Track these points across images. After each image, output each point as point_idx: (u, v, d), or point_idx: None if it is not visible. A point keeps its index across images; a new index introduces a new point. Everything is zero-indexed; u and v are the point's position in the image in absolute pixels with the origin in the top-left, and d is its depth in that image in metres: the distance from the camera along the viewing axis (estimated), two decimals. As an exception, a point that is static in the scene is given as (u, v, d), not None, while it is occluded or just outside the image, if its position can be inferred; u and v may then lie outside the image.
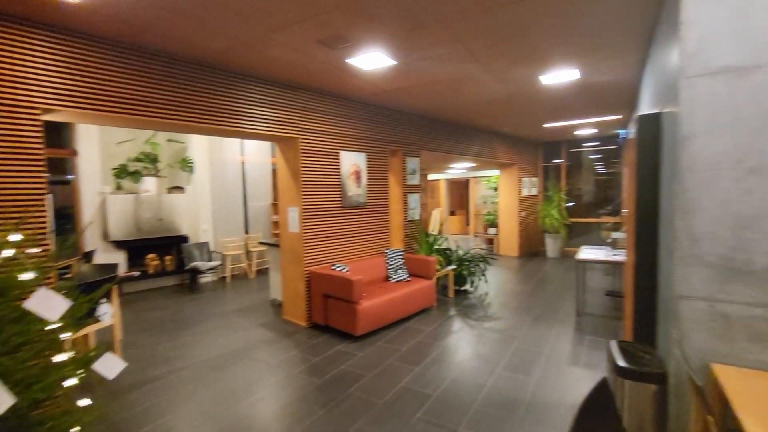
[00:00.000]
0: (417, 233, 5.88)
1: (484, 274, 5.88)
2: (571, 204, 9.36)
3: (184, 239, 6.72)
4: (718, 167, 1.67)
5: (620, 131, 7.62)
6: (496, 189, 10.48)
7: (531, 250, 9.60)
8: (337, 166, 4.69)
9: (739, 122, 1.62)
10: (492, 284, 6.33)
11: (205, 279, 6.89)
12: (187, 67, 3.34)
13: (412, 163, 5.86)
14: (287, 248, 4.60)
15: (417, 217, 5.98)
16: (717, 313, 1.70)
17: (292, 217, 4.46)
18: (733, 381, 1.51)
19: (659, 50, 2.56)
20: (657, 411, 1.95)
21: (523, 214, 9.14)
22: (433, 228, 12.06)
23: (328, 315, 4.24)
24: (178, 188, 6.78)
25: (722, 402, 1.57)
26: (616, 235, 4.97)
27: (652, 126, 2.34)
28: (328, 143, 4.59)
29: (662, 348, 2.07)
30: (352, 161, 4.85)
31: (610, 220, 8.74)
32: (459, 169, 11.37)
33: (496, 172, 10.68)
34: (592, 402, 1.24)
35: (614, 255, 4.37)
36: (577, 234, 9.35)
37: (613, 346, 2.23)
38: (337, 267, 4.41)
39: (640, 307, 2.48)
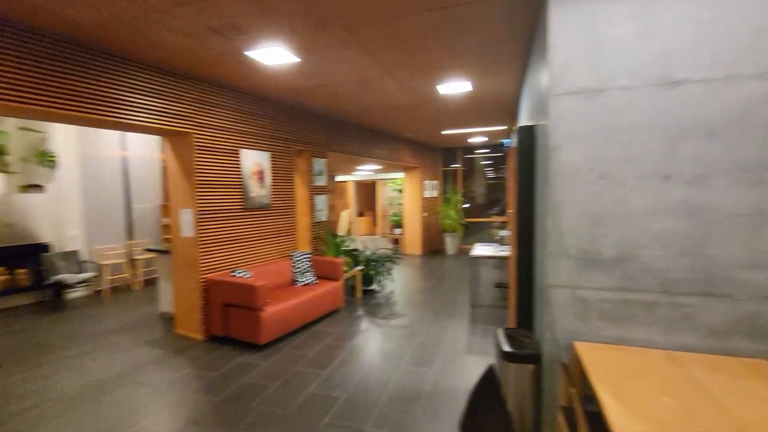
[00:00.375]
0: (325, 235, 5.82)
1: (390, 273, 6.07)
2: (466, 205, 10.23)
3: (43, 248, 5.63)
4: (578, 173, 1.97)
5: (505, 140, 8.58)
6: (401, 191, 10.93)
7: (433, 248, 10.22)
8: (238, 165, 4.39)
9: (591, 135, 1.93)
10: (398, 282, 6.57)
11: (75, 294, 5.86)
12: (50, 42, 2.79)
13: (319, 164, 5.78)
14: (180, 254, 4.15)
15: (324, 219, 5.91)
16: (578, 298, 2.00)
17: (186, 220, 4.04)
18: (590, 355, 1.79)
19: (534, 70, 2.93)
20: (534, 388, 2.22)
21: (425, 214, 9.68)
22: (342, 229, 12.08)
23: (229, 325, 3.95)
24: (36, 187, 5.65)
25: (582, 374, 1.85)
26: (502, 233, 5.57)
27: (528, 136, 2.66)
28: (228, 140, 4.27)
29: (538, 332, 2.37)
30: (254, 160, 4.59)
31: (498, 219, 9.77)
32: (366, 171, 11.58)
33: (401, 175, 11.14)
34: (481, 388, 1.35)
35: (501, 251, 4.88)
36: (472, 232, 10.24)
37: (500, 333, 2.48)
38: (239, 273, 4.13)
39: (521, 297, 2.80)
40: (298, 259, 4.97)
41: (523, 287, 2.81)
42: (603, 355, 1.80)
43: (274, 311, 3.87)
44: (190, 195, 3.97)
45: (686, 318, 1.83)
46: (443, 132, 7.76)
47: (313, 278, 4.94)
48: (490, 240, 7.23)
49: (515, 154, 2.89)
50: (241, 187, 4.43)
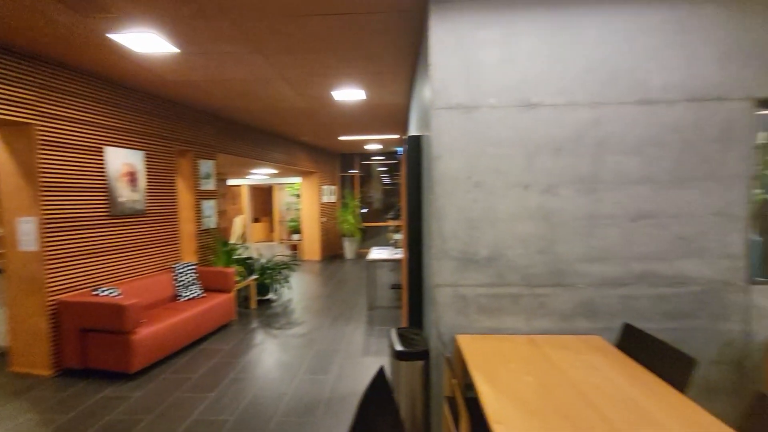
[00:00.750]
0: (214, 243, 5.35)
1: (287, 281, 5.86)
2: (364, 210, 10.47)
3: None
4: (457, 181, 2.16)
5: (398, 148, 9.04)
6: (299, 196, 10.68)
7: (332, 253, 10.21)
8: (102, 165, 3.76)
9: (467, 147, 2.13)
10: (296, 290, 6.38)
11: None
12: None
13: (207, 166, 5.30)
14: (19, 273, 3.38)
15: (213, 226, 5.44)
16: (459, 295, 2.18)
17: (26, 231, 3.31)
18: (469, 346, 1.97)
19: (420, 84, 3.14)
20: (424, 383, 2.35)
21: (324, 219, 9.62)
22: (235, 237, 11.27)
23: (89, 354, 3.34)
24: None
25: (464, 364, 2.03)
26: (396, 236, 5.83)
27: (416, 146, 2.83)
28: (88, 135, 3.63)
29: (427, 329, 2.53)
30: (124, 160, 3.99)
31: (394, 223, 10.22)
32: (262, 175, 11.03)
33: (298, 180, 10.89)
34: (371, 392, 1.37)
35: (396, 254, 5.11)
36: (370, 237, 10.51)
37: (393, 333, 2.58)
38: (104, 291, 3.53)
39: (412, 297, 2.96)
40: (181, 271, 4.46)
41: (413, 288, 2.97)
42: (480, 344, 1.99)
43: (150, 333, 3.40)
44: (32, 200, 3.27)
45: (542, 306, 2.14)
46: (341, 138, 7.82)
47: (200, 291, 4.50)
48: (386, 244, 7.51)
49: (405, 162, 3.05)
50: (107, 190, 3.81)
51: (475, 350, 1.92)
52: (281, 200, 13.16)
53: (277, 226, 13.16)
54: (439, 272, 2.18)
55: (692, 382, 2.12)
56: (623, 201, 2.07)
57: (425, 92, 2.54)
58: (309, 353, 3.77)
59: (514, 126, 2.10)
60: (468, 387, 2.06)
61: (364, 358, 3.65)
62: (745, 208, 2.04)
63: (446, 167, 2.15)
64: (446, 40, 2.10)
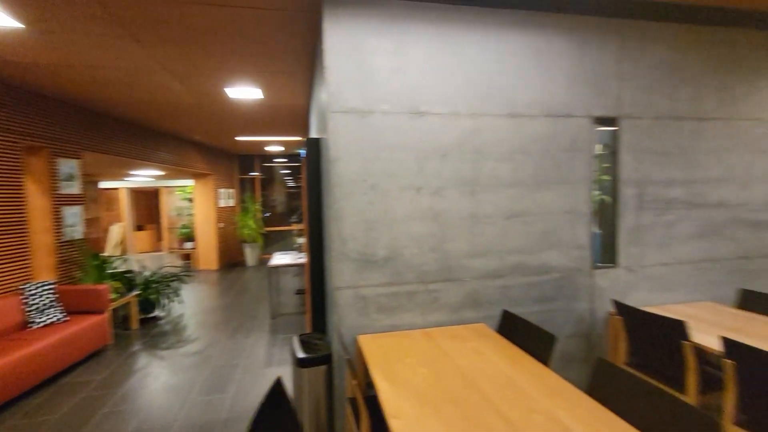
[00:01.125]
0: (81, 257, 4.56)
1: (177, 295, 5.29)
2: (267, 214, 10.01)
3: None
4: (354, 184, 2.19)
5: (301, 150, 8.86)
6: (191, 200, 9.76)
7: (231, 261, 9.54)
8: None
9: (363, 151, 2.19)
10: (189, 303, 5.80)
11: None
12: None
13: (69, 166, 4.50)
14: None
15: (79, 236, 4.64)
16: (359, 296, 2.22)
17: None
18: (369, 346, 2.02)
19: (318, 86, 3.12)
20: (327, 388, 2.34)
21: (221, 225, 8.94)
22: (111, 248, 9.78)
23: None
24: None
25: (365, 364, 2.07)
26: (300, 240, 5.71)
27: (315, 148, 2.81)
28: None
29: (330, 333, 2.52)
30: (-58, 158, 3.16)
31: (298, 227, 9.98)
32: (145, 177, 9.78)
33: (191, 182, 9.95)
34: (267, 405, 1.31)
35: (299, 258, 4.99)
36: (273, 242, 10.09)
37: (295, 340, 2.51)
38: None
39: (315, 301, 2.92)
40: (33, 292, 3.71)
41: (316, 292, 2.94)
42: (380, 343, 2.05)
43: (-12, 371, 2.76)
44: None
45: (435, 301, 2.29)
46: (238, 138, 7.36)
47: (61, 315, 3.79)
48: (291, 248, 7.29)
49: (305, 164, 3.00)
50: None
51: (375, 349, 1.98)
52: (171, 205, 11.83)
53: (166, 234, 11.80)
54: (340, 274, 2.19)
55: (555, 354, 2.49)
56: (499, 202, 2.34)
57: (322, 95, 2.53)
58: (203, 372, 3.46)
59: (406, 132, 2.22)
60: (370, 386, 2.10)
61: (267, 369, 3.48)
62: (588, 207, 2.47)
63: (344, 170, 2.17)
64: (340, 44, 2.13)
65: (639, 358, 2.28)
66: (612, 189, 2.57)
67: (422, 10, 2.20)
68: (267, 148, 8.86)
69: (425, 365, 1.77)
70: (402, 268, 2.25)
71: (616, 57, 2.48)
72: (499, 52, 2.31)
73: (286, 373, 3.36)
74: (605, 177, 2.56)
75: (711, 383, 1.94)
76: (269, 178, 10.23)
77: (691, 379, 1.91)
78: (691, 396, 1.91)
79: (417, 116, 2.22)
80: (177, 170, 7.59)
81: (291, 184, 10.36)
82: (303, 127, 6.38)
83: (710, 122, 2.67)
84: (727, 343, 1.71)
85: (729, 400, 1.72)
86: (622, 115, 2.51)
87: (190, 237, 9.57)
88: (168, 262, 9.14)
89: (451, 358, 1.84)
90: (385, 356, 1.88)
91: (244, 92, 4.19)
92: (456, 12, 2.24)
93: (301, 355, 2.31)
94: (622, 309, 2.25)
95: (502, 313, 2.27)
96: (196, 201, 8.80)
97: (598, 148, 2.52)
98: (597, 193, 2.54)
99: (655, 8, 2.50)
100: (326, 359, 2.32)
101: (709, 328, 2.14)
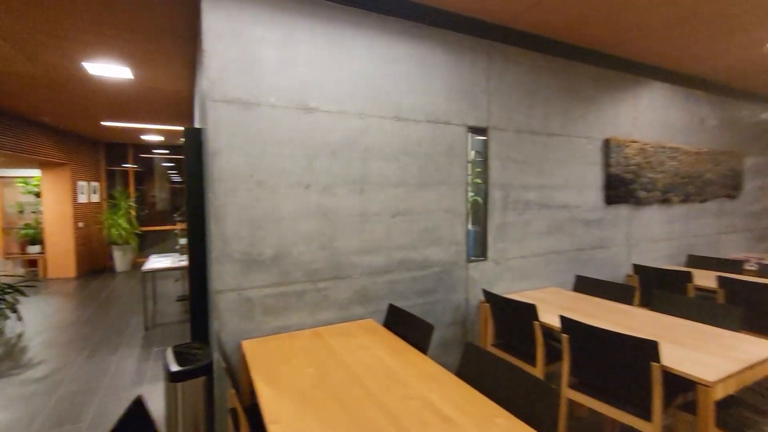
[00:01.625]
0: None
1: (14, 310, 4.32)
2: (144, 212, 8.81)
3: None
4: (238, 180, 2.06)
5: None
6: (38, 195, 8.07)
7: (95, 266, 8.17)
8: None
9: (248, 145, 2.07)
10: (32, 320, 4.78)
11: None
12: None
13: None
14: None
15: None
16: (244, 299, 2.10)
17: None
18: (253, 350, 1.92)
19: (199, 71, 2.86)
20: (207, 401, 2.15)
21: (81, 225, 7.58)
22: None
23: None
24: None
25: (249, 371, 1.96)
26: (183, 240, 5.15)
27: (195, 140, 2.56)
28: None
29: (211, 341, 2.32)
30: None
31: (181, 226, 9.02)
32: (-32, 163, 7.75)
33: (37, 173, 8.23)
34: (121, 430, 1.15)
35: (180, 261, 4.51)
36: (152, 243, 8.93)
37: (168, 353, 2.25)
38: None
39: (195, 307, 2.66)
40: None
41: (197, 297, 2.68)
42: (265, 346, 1.97)
43: None
44: None
45: (325, 299, 2.29)
46: (105, 123, 6.32)
47: None
48: (173, 249, 6.54)
49: (185, 157, 2.71)
50: None
51: (260, 353, 1.89)
52: (9, 200, 9.60)
53: (0, 236, 9.52)
54: (221, 277, 2.04)
55: (436, 342, 2.70)
56: (386, 201, 2.44)
57: (203, 82, 2.33)
58: (50, 401, 2.88)
59: (295, 127, 2.17)
60: (254, 393, 2.00)
61: (137, 388, 3.06)
62: (464, 206, 2.74)
63: (226, 164, 2.02)
64: (222, 28, 1.98)
65: (503, 339, 2.60)
66: (484, 191, 2.89)
67: (312, 6, 2.18)
68: (144, 137, 7.80)
69: (312, 365, 1.75)
70: (290, 267, 2.19)
71: (486, 74, 2.80)
72: (386, 58, 2.41)
73: (158, 392, 3.00)
74: (478, 180, 2.87)
75: (554, 355, 2.32)
76: (148, 171, 9.01)
77: (540, 353, 2.26)
78: (539, 368, 2.26)
79: (306, 112, 2.19)
80: (16, 157, 6.20)
81: (177, 179, 9.29)
82: (188, 115, 5.78)
83: (556, 138, 3.19)
84: (563, 320, 2.06)
85: (565, 368, 2.08)
86: (491, 126, 2.85)
87: (35, 239, 7.90)
88: (2, 270, 7.42)
89: (339, 355, 1.85)
90: (270, 360, 1.81)
91: (109, 70, 3.62)
92: (344, 13, 2.27)
93: (174, 368, 2.09)
94: (490, 297, 2.55)
95: (388, 307, 2.38)
96: (45, 195, 7.30)
97: (472, 154, 2.81)
98: (471, 194, 2.83)
99: (518, 35, 2.89)
100: (205, 370, 2.13)
101: (553, 309, 2.55)
